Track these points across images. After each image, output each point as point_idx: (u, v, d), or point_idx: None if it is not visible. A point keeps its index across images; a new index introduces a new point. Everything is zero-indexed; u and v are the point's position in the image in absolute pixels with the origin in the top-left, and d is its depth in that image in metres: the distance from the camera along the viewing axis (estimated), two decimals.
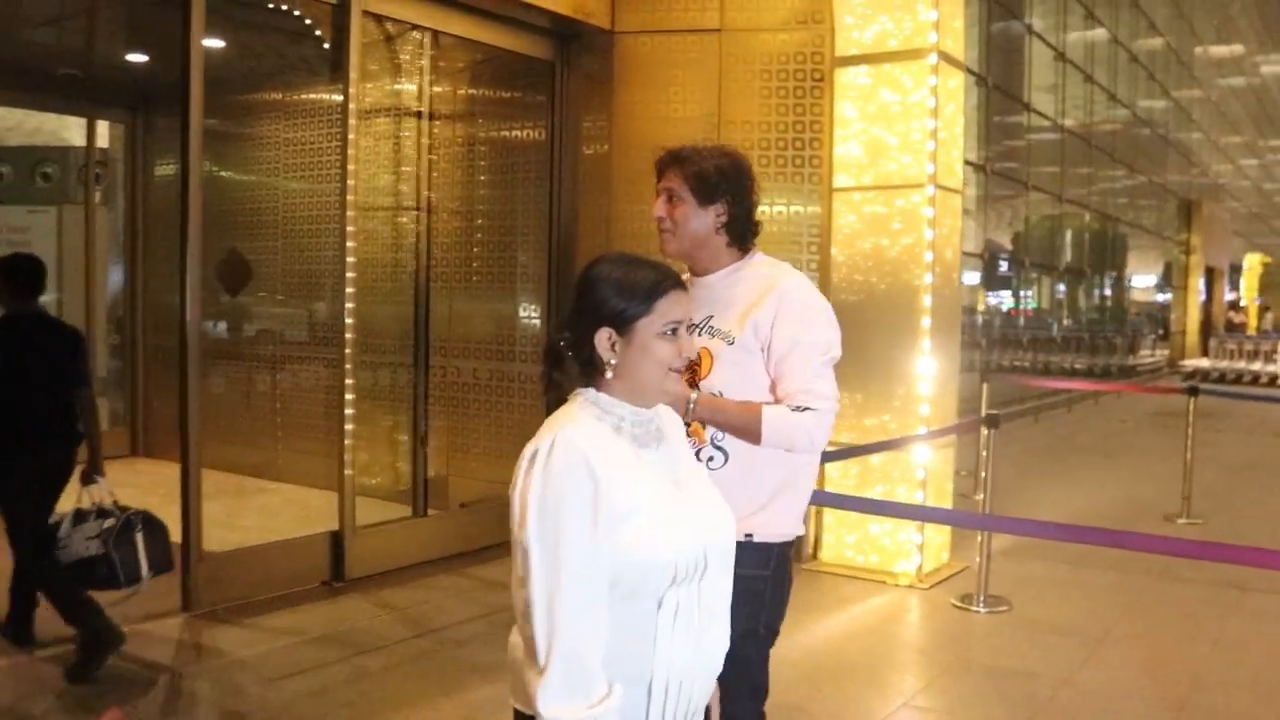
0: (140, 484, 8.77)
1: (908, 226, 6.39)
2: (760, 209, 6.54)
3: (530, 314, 7.37)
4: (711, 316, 2.66)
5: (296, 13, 6.86)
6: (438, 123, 7.81)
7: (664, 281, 1.91)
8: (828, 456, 5.81)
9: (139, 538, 4.88)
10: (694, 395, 2.54)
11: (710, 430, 2.63)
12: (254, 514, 7.62)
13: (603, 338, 1.89)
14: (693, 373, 2.59)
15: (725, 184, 2.71)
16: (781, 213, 6.78)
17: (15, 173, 13.49)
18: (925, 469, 6.35)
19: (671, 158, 2.75)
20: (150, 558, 4.91)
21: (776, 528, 2.68)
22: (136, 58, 9.07)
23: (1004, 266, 14.84)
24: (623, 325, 1.89)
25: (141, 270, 10.15)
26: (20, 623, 4.97)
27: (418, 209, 7.85)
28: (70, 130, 13.40)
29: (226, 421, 9.20)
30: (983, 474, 6.07)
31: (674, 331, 1.91)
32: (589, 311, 1.91)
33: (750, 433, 2.57)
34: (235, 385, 9.33)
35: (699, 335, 2.61)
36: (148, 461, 9.86)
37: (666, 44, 6.93)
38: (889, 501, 6.08)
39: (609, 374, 1.90)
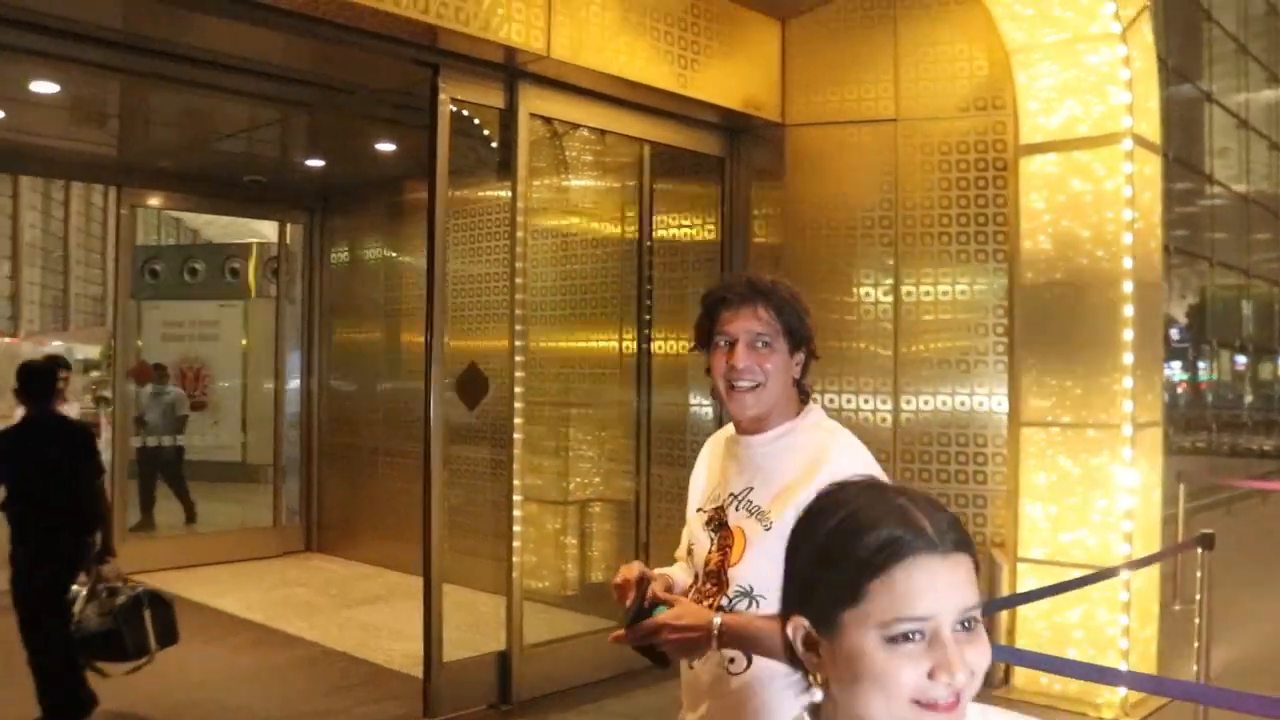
0: (313, 582, 8.85)
1: (1105, 324, 5.93)
2: (941, 289, 6.23)
3: (703, 408, 7.15)
4: (752, 488, 2.17)
5: (465, 113, 6.89)
6: (605, 222, 7.73)
7: (901, 540, 1.15)
8: (1019, 598, 5.30)
9: (146, 614, 5.30)
10: (718, 620, 2.01)
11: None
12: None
13: (795, 629, 1.22)
14: (722, 557, 2.17)
15: (807, 323, 2.22)
16: (965, 294, 6.42)
17: (207, 269, 14.15)
18: (1129, 589, 5.81)
19: (755, 289, 2.17)
20: (157, 632, 5.34)
21: None
22: (315, 163, 9.31)
23: (1179, 339, 13.97)
24: (823, 617, 1.18)
25: (318, 363, 10.34)
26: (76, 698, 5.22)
27: (587, 303, 7.76)
28: (258, 228, 13.93)
29: (396, 518, 9.21)
30: (1198, 596, 5.49)
31: (918, 635, 1.14)
32: (786, 578, 1.24)
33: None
34: (404, 481, 9.32)
35: (735, 509, 2.18)
36: (321, 557, 9.95)
37: (840, 135, 6.69)
38: (1091, 665, 5.35)
39: (814, 690, 1.23)
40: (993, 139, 6.37)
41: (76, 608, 5.14)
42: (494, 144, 6.93)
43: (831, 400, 6.67)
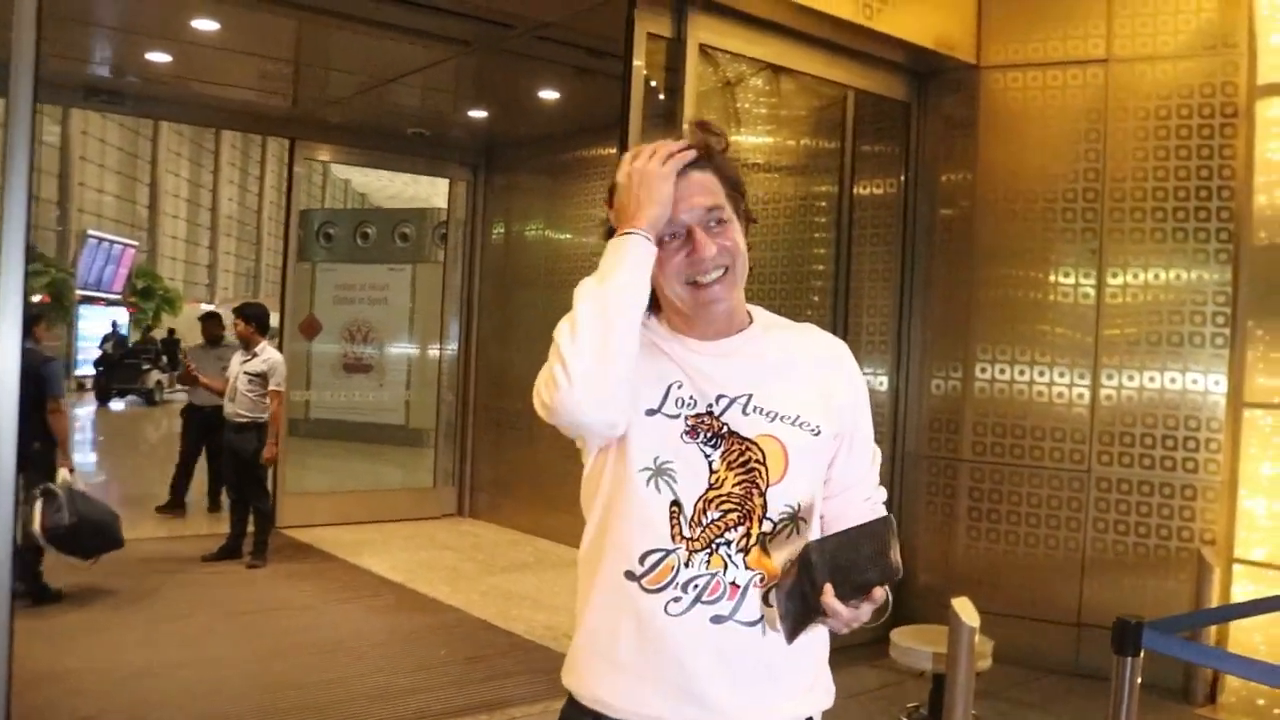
0: (461, 546, 8.67)
1: None
2: (1153, 268, 5.50)
3: (878, 386, 6.52)
4: (752, 395, 1.73)
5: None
6: (771, 175, 7.18)
7: None
8: (1252, 607, 4.47)
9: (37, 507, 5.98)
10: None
11: (784, 567, 1.72)
12: (568, 590, 7.14)
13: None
14: (748, 475, 1.70)
15: (739, 172, 1.81)
16: (1179, 283, 5.64)
17: (379, 234, 14.33)
18: None
19: (704, 147, 1.74)
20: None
21: (825, 701, 1.83)
22: (478, 114, 9.06)
23: None
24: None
25: (476, 329, 10.14)
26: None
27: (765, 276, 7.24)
28: (424, 191, 13.89)
29: (548, 485, 8.91)
30: None
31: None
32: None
33: None
34: (557, 449, 9.02)
35: (743, 414, 1.72)
36: (472, 522, 9.77)
37: (1041, 80, 5.98)
38: None
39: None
40: (1221, 81, 5.57)
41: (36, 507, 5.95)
42: (660, 92, 6.50)
43: (1022, 373, 6.00)
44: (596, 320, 1.61)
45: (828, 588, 1.57)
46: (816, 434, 1.76)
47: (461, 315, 10.20)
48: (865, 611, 1.61)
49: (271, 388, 7.54)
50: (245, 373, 7.56)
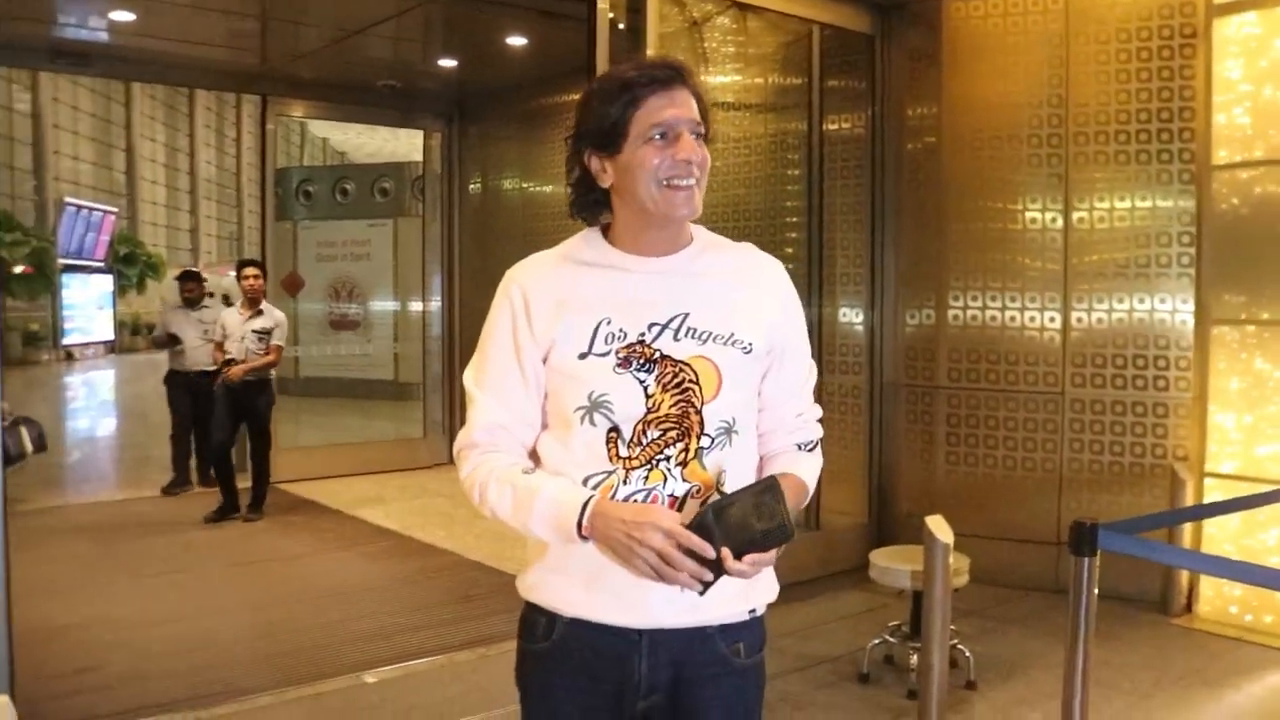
0: (454, 493, 8.71)
1: None
2: (1118, 196, 5.56)
3: (851, 320, 6.62)
4: (688, 314, 1.82)
5: None
6: (738, 112, 7.21)
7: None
8: (1207, 510, 4.61)
9: (23, 430, 7.52)
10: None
11: (717, 475, 1.82)
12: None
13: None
14: (684, 395, 1.80)
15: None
16: (1144, 206, 5.73)
17: (358, 189, 14.25)
18: None
19: (682, 72, 1.82)
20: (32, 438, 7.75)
21: (768, 595, 1.94)
22: (449, 63, 9.05)
23: None
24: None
25: (458, 280, 10.20)
26: None
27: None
28: (404, 147, 13.82)
29: None
30: None
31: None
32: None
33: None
34: None
35: (674, 339, 1.81)
36: None
37: (1003, 8, 6.03)
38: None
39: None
40: (1179, 2, 5.61)
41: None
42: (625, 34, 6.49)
43: (994, 300, 6.10)
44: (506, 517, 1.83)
45: (726, 551, 1.65)
46: (748, 351, 1.84)
47: (443, 267, 10.26)
48: (766, 559, 1.70)
49: (273, 343, 7.60)
50: (254, 330, 7.59)
